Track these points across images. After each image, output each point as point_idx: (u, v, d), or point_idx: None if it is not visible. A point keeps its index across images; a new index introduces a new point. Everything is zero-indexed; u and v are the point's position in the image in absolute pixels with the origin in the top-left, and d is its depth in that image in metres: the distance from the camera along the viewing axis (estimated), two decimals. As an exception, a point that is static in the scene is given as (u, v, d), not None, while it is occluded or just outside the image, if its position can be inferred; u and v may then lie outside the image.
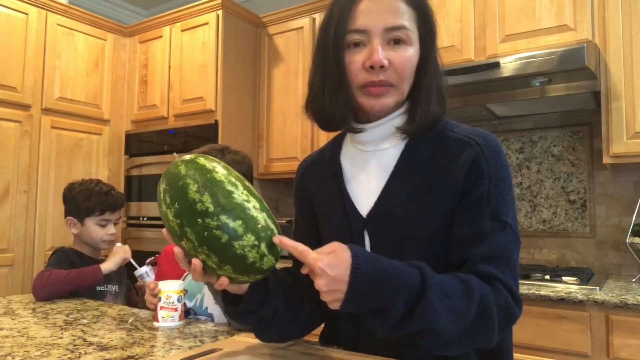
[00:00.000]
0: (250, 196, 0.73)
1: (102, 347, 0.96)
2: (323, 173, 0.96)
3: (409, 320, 0.68)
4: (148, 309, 1.36)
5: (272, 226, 0.73)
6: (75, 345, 0.97)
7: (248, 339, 0.99)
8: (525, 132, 2.40)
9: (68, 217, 1.69)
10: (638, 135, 1.85)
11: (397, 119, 0.87)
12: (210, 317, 1.33)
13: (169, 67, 3.02)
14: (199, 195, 0.71)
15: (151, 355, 0.91)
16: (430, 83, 0.85)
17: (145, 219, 3.00)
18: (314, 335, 1.03)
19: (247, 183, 0.76)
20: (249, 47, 2.99)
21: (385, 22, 0.80)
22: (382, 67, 0.80)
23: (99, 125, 3.12)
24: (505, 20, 2.12)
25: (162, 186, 0.76)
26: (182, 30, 2.97)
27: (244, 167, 1.38)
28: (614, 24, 1.91)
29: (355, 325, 0.90)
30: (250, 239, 0.70)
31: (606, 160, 1.93)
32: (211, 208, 0.70)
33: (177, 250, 0.75)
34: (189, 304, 1.34)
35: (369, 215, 0.86)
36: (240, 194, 0.72)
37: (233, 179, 0.74)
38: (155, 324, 1.16)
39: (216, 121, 2.77)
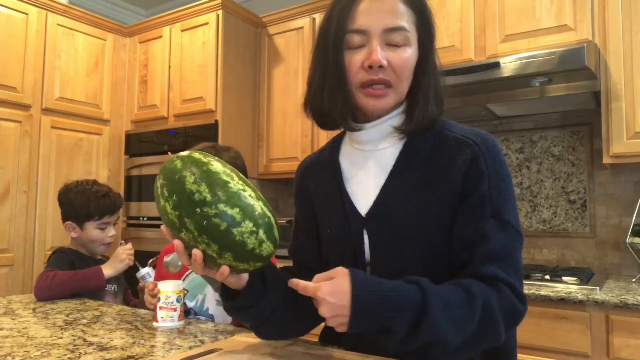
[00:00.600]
0: (246, 186, 0.76)
1: (102, 347, 0.96)
2: (322, 173, 0.97)
3: (415, 335, 0.70)
4: (148, 309, 1.36)
5: (269, 214, 0.76)
6: (75, 345, 0.97)
7: (248, 339, 0.99)
8: (525, 132, 2.40)
9: (67, 222, 1.66)
10: (638, 135, 1.85)
11: (394, 119, 0.87)
12: (211, 318, 1.33)
13: (169, 67, 3.02)
14: (196, 186, 0.73)
15: (151, 355, 0.91)
16: (429, 83, 0.86)
17: (145, 219, 3.00)
18: (314, 335, 1.03)
19: (241, 175, 0.78)
20: (249, 47, 2.99)
21: (385, 23, 0.81)
22: (380, 67, 0.80)
23: (99, 125, 3.12)
24: (505, 20, 2.12)
25: (159, 182, 0.78)
26: (182, 30, 2.97)
27: (239, 161, 1.39)
28: (614, 24, 1.91)
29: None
30: (248, 225, 0.73)
31: (606, 160, 1.93)
32: (209, 197, 0.72)
33: (177, 243, 0.76)
34: (190, 304, 1.34)
35: (368, 214, 0.86)
36: (235, 184, 0.75)
37: (228, 171, 0.77)
38: (155, 324, 1.16)
39: (216, 121, 2.77)
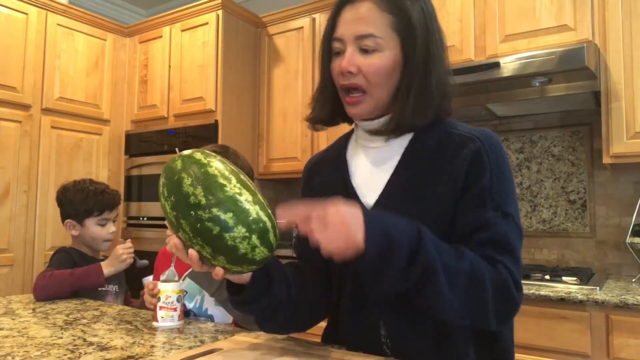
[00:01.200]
0: (244, 189, 0.76)
1: (102, 347, 0.96)
2: (329, 168, 0.99)
3: (413, 264, 0.71)
4: (148, 309, 1.36)
5: (265, 218, 0.75)
6: (75, 345, 0.97)
7: (248, 339, 0.99)
8: (525, 132, 2.40)
9: (67, 220, 1.68)
10: (638, 135, 1.85)
11: (386, 121, 0.89)
12: (211, 319, 1.33)
13: (169, 67, 3.02)
14: (192, 189, 0.74)
15: (151, 355, 0.91)
16: (410, 85, 0.85)
17: (145, 219, 3.00)
18: (316, 335, 1.03)
19: (242, 177, 0.78)
20: (249, 47, 2.99)
21: (356, 31, 0.85)
22: (350, 72, 0.85)
23: (99, 125, 3.12)
24: (505, 20, 2.12)
25: (161, 180, 0.80)
26: (182, 30, 2.97)
27: (246, 163, 1.40)
28: (614, 24, 1.91)
29: (356, 325, 0.91)
30: (241, 230, 0.73)
31: (606, 160, 1.93)
32: (203, 201, 0.73)
33: (176, 241, 0.78)
34: (189, 305, 1.34)
35: (373, 207, 0.88)
36: (232, 187, 0.75)
37: (227, 173, 0.76)
38: (155, 324, 1.16)
39: (216, 121, 2.77)
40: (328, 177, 0.98)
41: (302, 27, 2.85)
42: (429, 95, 0.86)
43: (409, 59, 0.85)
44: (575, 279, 1.76)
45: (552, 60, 1.85)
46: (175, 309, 1.16)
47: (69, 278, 1.50)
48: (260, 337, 1.01)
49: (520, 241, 0.82)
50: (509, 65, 1.94)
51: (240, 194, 0.75)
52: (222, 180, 0.75)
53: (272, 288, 0.83)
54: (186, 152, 0.81)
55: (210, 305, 1.34)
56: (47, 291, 1.48)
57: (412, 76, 0.86)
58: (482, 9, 2.20)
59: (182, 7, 2.98)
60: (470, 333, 0.84)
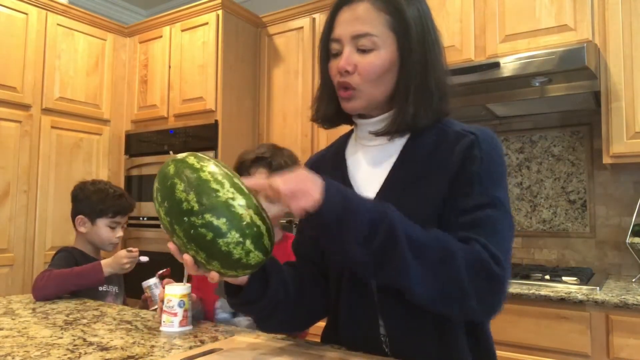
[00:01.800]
0: (237, 193, 0.75)
1: (102, 347, 0.96)
2: (328, 167, 1.00)
3: (375, 234, 0.71)
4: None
5: (259, 222, 0.75)
6: (75, 345, 0.97)
7: (248, 339, 0.99)
8: (525, 132, 2.40)
9: (79, 216, 1.69)
10: (638, 135, 1.85)
11: (385, 120, 0.90)
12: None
13: (169, 67, 3.02)
14: (185, 195, 0.74)
15: (151, 355, 0.91)
16: (409, 84, 0.86)
17: (145, 219, 3.00)
18: (315, 335, 1.03)
19: (236, 180, 0.77)
20: (249, 47, 2.99)
21: (353, 31, 0.86)
22: (347, 71, 0.86)
23: (99, 125, 3.12)
24: (505, 20, 2.12)
25: (155, 185, 0.80)
26: (182, 30, 2.97)
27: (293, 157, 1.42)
28: (614, 24, 1.91)
29: (355, 324, 0.91)
30: (234, 236, 0.72)
31: (606, 160, 1.93)
32: (196, 207, 0.73)
33: (171, 245, 0.79)
34: (222, 315, 1.31)
35: None
36: (225, 192, 0.74)
37: (220, 177, 0.76)
38: (160, 327, 1.15)
39: (216, 121, 2.77)
40: (327, 175, 0.98)
41: (302, 27, 2.85)
42: (429, 95, 0.87)
43: (405, 58, 0.86)
44: (575, 279, 1.76)
45: (552, 60, 1.85)
46: (175, 314, 1.12)
47: (68, 277, 1.50)
48: (259, 337, 1.01)
49: (510, 225, 0.81)
50: (509, 65, 1.94)
51: (233, 199, 0.74)
52: (215, 185, 0.74)
53: (270, 289, 0.83)
54: (180, 155, 0.80)
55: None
56: (46, 291, 1.48)
57: (410, 76, 0.86)
58: (482, 9, 2.19)
59: (182, 7, 2.98)
60: (468, 333, 0.84)
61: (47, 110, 2.85)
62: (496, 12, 2.15)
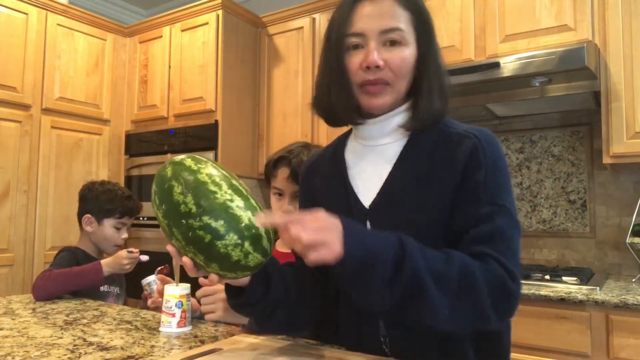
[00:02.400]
0: (235, 195, 0.75)
1: (102, 347, 0.96)
2: (327, 168, 0.99)
3: (399, 272, 0.70)
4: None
5: (257, 224, 0.74)
6: (75, 345, 0.97)
7: (248, 339, 0.99)
8: (525, 132, 2.40)
9: (86, 215, 1.70)
10: (638, 135, 1.85)
11: (399, 116, 0.90)
12: None
13: (169, 67, 3.02)
14: (183, 197, 0.74)
15: (151, 355, 0.91)
16: (431, 81, 0.88)
17: (145, 218, 3.00)
18: (315, 336, 1.03)
19: (234, 182, 0.77)
20: (249, 47, 2.99)
21: (381, 25, 0.85)
22: (377, 67, 0.84)
23: (99, 125, 3.12)
24: (505, 20, 2.12)
25: (153, 188, 0.80)
26: (182, 30, 2.97)
27: None
28: (614, 24, 1.91)
29: (355, 325, 0.91)
30: (232, 238, 0.72)
31: (606, 160, 1.93)
32: (194, 209, 0.73)
33: (170, 247, 0.78)
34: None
35: (371, 206, 0.88)
36: (223, 194, 0.74)
37: (217, 179, 0.76)
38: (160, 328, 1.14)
39: (216, 121, 2.77)
40: (327, 176, 0.98)
41: (302, 27, 2.85)
42: (444, 93, 0.89)
43: (424, 56, 0.87)
44: (575, 279, 1.76)
45: (552, 60, 1.85)
46: (173, 315, 1.11)
47: (67, 276, 1.50)
48: (259, 337, 1.01)
49: (517, 233, 0.82)
50: (509, 65, 1.94)
51: (231, 200, 0.74)
52: (212, 187, 0.74)
53: (271, 290, 0.83)
54: (177, 158, 0.80)
55: None
56: (46, 290, 1.48)
57: (429, 73, 0.87)
58: (482, 9, 2.19)
59: (182, 7, 2.98)
60: (470, 332, 0.84)
61: (47, 110, 2.85)
62: (496, 12, 2.15)
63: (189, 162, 0.78)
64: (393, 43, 0.85)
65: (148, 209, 2.99)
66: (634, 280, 1.94)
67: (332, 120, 0.95)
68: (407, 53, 0.86)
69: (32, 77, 2.78)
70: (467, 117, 2.41)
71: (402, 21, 0.85)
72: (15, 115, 2.70)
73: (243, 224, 0.73)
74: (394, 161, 0.89)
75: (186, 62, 2.93)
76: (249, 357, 0.86)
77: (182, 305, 1.13)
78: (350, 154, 0.97)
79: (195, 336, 1.06)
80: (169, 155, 2.91)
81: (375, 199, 0.88)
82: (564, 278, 1.79)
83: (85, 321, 1.20)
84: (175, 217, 0.74)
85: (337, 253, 0.67)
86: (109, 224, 1.69)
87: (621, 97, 1.88)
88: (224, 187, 0.75)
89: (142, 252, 1.63)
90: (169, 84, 3.01)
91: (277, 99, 2.93)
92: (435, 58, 0.89)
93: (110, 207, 1.68)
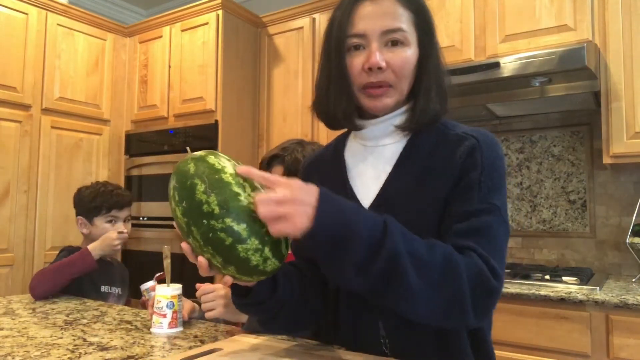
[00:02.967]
0: None
1: (102, 347, 0.96)
2: (327, 168, 0.99)
3: (375, 255, 0.68)
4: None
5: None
6: (75, 345, 0.97)
7: (248, 339, 0.99)
8: (525, 132, 2.40)
9: (78, 217, 1.72)
10: (638, 135, 1.85)
11: (398, 117, 0.89)
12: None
13: (169, 67, 3.01)
14: (206, 197, 0.71)
15: (151, 355, 0.91)
16: (430, 81, 0.88)
17: (145, 218, 2.99)
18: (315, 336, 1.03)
19: (256, 183, 0.75)
20: (249, 47, 2.99)
21: (383, 25, 0.84)
22: (379, 68, 0.83)
23: (99, 125, 3.12)
24: (505, 20, 2.12)
25: (172, 183, 0.77)
26: (182, 30, 2.97)
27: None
28: (614, 24, 1.91)
29: (355, 325, 0.91)
30: (254, 242, 0.70)
31: (606, 160, 1.93)
32: (217, 210, 0.70)
33: (184, 245, 0.76)
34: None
35: (370, 206, 0.88)
36: (247, 197, 0.72)
37: (241, 180, 0.74)
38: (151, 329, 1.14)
39: (216, 121, 2.77)
40: (326, 176, 0.98)
41: (302, 27, 2.85)
42: (443, 93, 0.89)
43: (425, 56, 0.87)
44: (575, 279, 1.76)
45: (552, 60, 1.85)
46: (164, 315, 1.10)
47: (59, 268, 1.50)
48: (260, 337, 1.01)
49: (505, 233, 0.81)
50: (509, 65, 1.94)
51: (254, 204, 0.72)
52: (236, 189, 0.72)
53: (278, 290, 0.83)
54: (198, 154, 0.77)
55: None
56: (42, 287, 1.48)
57: (430, 73, 0.87)
58: (482, 9, 2.19)
59: (182, 7, 2.98)
60: (467, 332, 0.84)
61: (47, 110, 2.85)
62: (496, 12, 2.15)
63: (212, 159, 0.75)
64: (395, 43, 0.84)
65: (148, 208, 3.00)
66: (634, 280, 1.94)
67: (332, 123, 0.94)
68: (409, 53, 0.85)
69: (32, 77, 2.78)
70: (467, 117, 2.41)
71: (404, 21, 0.85)
72: (15, 115, 2.70)
73: (265, 230, 0.71)
74: (393, 162, 0.89)
75: (186, 62, 2.93)
76: (249, 357, 0.86)
77: (173, 305, 1.12)
78: (350, 154, 0.97)
79: (195, 336, 1.07)
80: (169, 155, 2.91)
81: (374, 199, 0.88)
82: (564, 278, 1.79)
83: (85, 321, 1.20)
84: (195, 216, 0.72)
85: (301, 227, 0.66)
86: (99, 222, 1.70)
87: (621, 97, 1.88)
88: (248, 189, 0.73)
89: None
90: (169, 84, 3.01)
91: (277, 99, 2.93)
92: (436, 58, 0.89)
93: (95, 205, 1.69)
